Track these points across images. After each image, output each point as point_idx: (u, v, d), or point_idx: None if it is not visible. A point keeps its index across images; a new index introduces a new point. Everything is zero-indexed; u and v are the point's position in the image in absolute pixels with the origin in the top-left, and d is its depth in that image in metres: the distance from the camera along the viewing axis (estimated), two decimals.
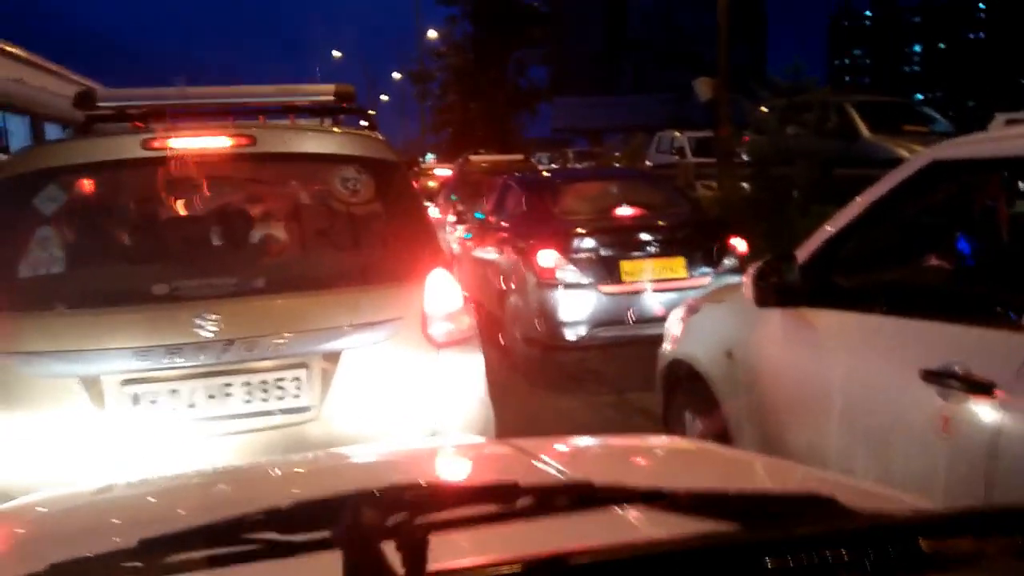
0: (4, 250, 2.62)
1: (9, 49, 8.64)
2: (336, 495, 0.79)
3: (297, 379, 2.57)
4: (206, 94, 3.46)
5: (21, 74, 8.68)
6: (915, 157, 2.49)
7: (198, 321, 2.47)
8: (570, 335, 5.88)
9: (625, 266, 5.94)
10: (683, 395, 3.52)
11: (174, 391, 2.47)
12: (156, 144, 2.73)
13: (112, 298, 2.57)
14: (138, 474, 2.30)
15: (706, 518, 0.78)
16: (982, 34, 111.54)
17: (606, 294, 5.86)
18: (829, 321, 2.58)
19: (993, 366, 1.93)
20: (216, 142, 2.79)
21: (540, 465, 1.34)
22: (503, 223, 7.17)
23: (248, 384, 2.53)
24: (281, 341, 2.55)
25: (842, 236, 2.65)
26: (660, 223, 6.26)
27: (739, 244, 6.12)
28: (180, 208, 3.06)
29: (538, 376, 6.05)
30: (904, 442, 2.19)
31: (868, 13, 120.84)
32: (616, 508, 0.86)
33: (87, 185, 2.84)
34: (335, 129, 3.08)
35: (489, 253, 7.26)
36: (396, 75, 36.11)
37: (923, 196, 2.53)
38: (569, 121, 43.96)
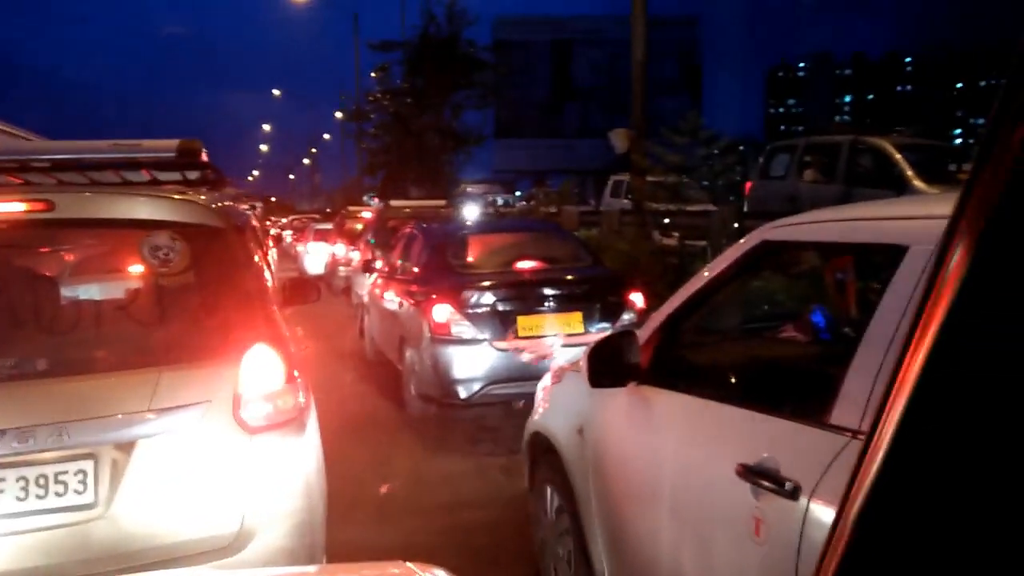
0: None
1: None
2: None
3: (82, 472, 2.31)
4: (37, 149, 3.20)
5: None
6: (749, 235, 2.40)
7: None
8: (463, 392, 5.68)
9: (522, 321, 5.79)
10: (544, 469, 3.34)
11: None
12: None
13: None
14: None
15: None
16: (909, 87, 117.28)
17: (501, 350, 5.70)
18: (663, 402, 2.44)
19: (802, 466, 1.80)
20: (8, 207, 2.53)
21: None
22: (405, 273, 6.98)
23: (23, 479, 2.26)
24: (63, 430, 2.29)
25: (684, 312, 2.53)
26: (560, 277, 6.14)
27: (637, 299, 6.03)
28: None
29: (431, 434, 5.82)
30: (724, 545, 2.03)
31: (802, 65, 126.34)
32: None
33: None
34: (150, 192, 2.78)
35: (392, 304, 7.05)
36: (338, 114, 35.72)
37: (758, 272, 2.43)
38: (511, 163, 44.42)
